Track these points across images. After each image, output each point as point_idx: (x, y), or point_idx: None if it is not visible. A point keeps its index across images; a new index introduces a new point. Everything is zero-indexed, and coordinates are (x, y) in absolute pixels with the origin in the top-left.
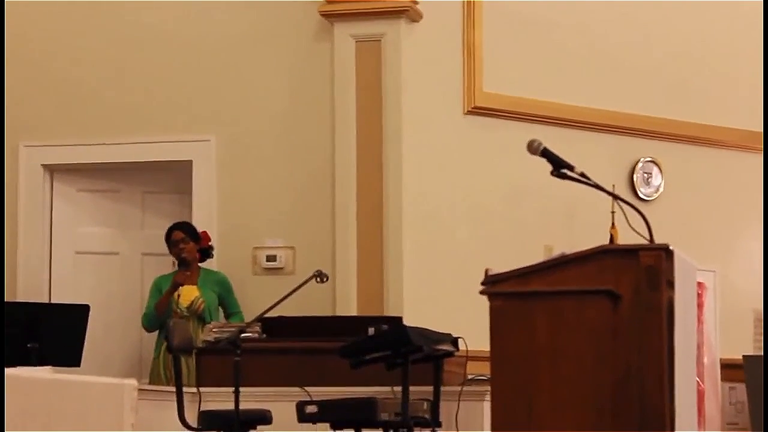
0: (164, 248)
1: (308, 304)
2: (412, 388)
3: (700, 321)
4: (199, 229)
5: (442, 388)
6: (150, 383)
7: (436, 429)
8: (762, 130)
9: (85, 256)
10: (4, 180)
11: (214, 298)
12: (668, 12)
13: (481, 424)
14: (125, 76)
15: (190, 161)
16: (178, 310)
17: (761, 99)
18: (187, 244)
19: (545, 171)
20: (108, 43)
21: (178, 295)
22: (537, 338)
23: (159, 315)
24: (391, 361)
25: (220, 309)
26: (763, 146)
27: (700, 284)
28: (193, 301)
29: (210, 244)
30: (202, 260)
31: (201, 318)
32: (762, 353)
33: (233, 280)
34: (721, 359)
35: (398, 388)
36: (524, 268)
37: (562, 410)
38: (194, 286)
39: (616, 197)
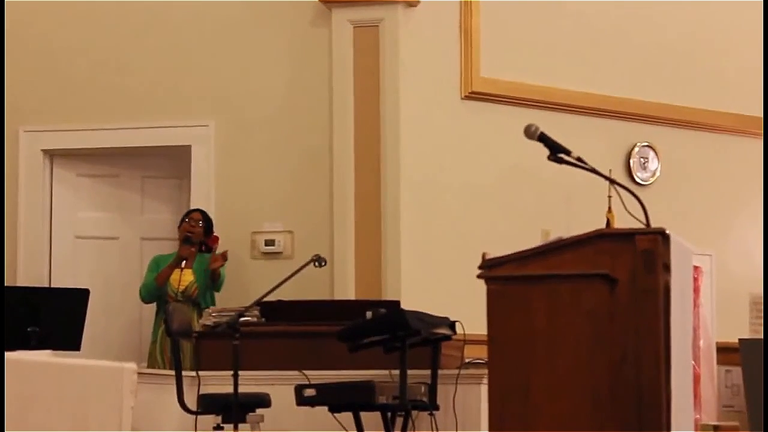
0: (163, 232)
1: (306, 288)
2: (409, 372)
3: (696, 304)
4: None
5: (440, 372)
6: (147, 367)
7: (434, 412)
8: (762, 115)
9: (85, 241)
10: (4, 165)
11: (207, 282)
12: None
13: (478, 407)
14: (124, 61)
15: (189, 146)
16: (173, 294)
17: (757, 83)
18: (200, 227)
19: (542, 156)
20: (107, 28)
21: (181, 269)
22: (534, 322)
23: (159, 286)
24: (389, 345)
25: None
26: (763, 131)
27: (696, 268)
28: (187, 286)
29: (215, 246)
30: (199, 250)
31: (195, 302)
32: (757, 336)
33: (232, 264)
34: (717, 342)
35: (396, 372)
36: (521, 252)
37: (559, 394)
38: (189, 270)
39: (612, 182)
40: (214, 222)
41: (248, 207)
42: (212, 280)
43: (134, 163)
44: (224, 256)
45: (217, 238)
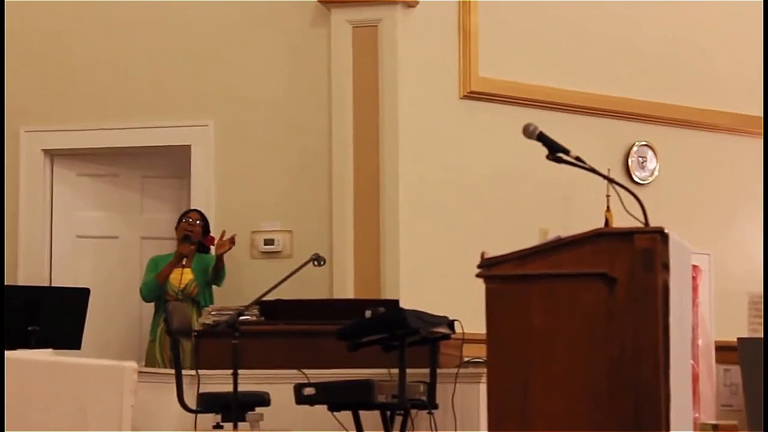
0: (163, 232)
1: (306, 287)
2: (408, 371)
3: (694, 303)
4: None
5: (439, 371)
6: (146, 366)
7: (433, 411)
8: (762, 115)
9: (85, 240)
10: (5, 165)
11: (208, 278)
12: None
13: (477, 406)
14: (124, 61)
15: (189, 146)
16: (172, 293)
17: (756, 83)
18: (198, 226)
19: (541, 155)
20: (107, 28)
21: (182, 265)
22: (533, 321)
23: (160, 284)
24: (388, 344)
25: (213, 291)
26: (763, 130)
27: (694, 267)
28: (187, 284)
29: (211, 247)
30: (197, 250)
31: (195, 301)
32: (756, 335)
33: (231, 263)
34: (715, 341)
35: (395, 371)
36: (520, 251)
37: (557, 393)
38: (188, 269)
39: (611, 181)
40: (213, 221)
41: (247, 206)
42: (216, 270)
43: (134, 162)
44: (232, 241)
45: (213, 239)
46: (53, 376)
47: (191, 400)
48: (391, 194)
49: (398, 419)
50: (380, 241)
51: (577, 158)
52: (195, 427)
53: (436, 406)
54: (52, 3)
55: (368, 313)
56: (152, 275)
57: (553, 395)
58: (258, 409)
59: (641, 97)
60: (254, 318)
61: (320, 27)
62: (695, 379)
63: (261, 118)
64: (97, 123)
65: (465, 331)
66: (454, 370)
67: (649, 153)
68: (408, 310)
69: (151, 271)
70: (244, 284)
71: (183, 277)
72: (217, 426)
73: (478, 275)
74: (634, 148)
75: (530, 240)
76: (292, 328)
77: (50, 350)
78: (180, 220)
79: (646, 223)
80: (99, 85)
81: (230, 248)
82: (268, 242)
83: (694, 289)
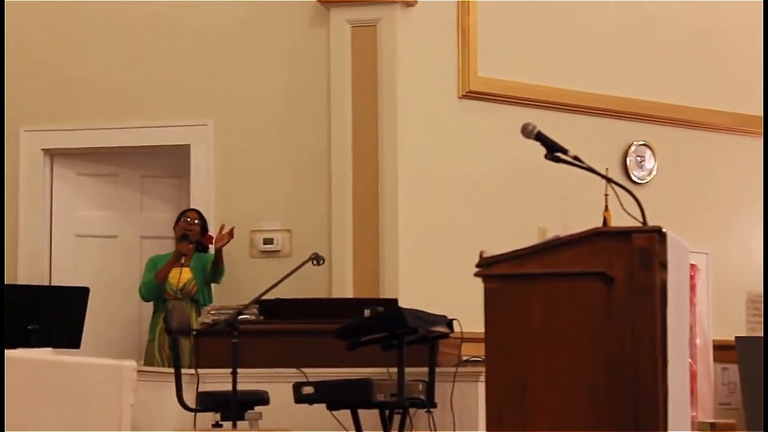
0: (163, 231)
1: (305, 286)
2: (407, 370)
3: (692, 302)
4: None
5: (437, 370)
6: (145, 365)
7: (431, 410)
8: (762, 114)
9: (85, 239)
10: (5, 164)
11: (207, 276)
12: None
13: (475, 404)
14: (124, 61)
15: (188, 145)
16: (171, 292)
17: (755, 82)
18: (197, 225)
19: (539, 154)
20: (107, 28)
21: (181, 264)
22: (531, 320)
23: (159, 283)
24: (387, 343)
25: (213, 290)
26: (763, 130)
27: (692, 266)
28: (185, 283)
29: (209, 246)
30: (195, 249)
31: (193, 300)
32: (755, 334)
33: (230, 262)
34: (713, 340)
35: (394, 370)
36: (519, 250)
37: (555, 391)
38: (187, 268)
39: (609, 180)
40: (213, 220)
41: (247, 205)
42: (215, 266)
43: (134, 162)
44: (231, 234)
45: (211, 238)
46: (53, 375)
47: (191, 399)
48: (390, 193)
49: (397, 418)
50: (379, 240)
51: (576, 157)
52: (194, 426)
53: (434, 405)
54: (52, 3)
55: (367, 312)
56: (151, 275)
57: (551, 394)
58: (257, 408)
59: (639, 96)
60: (253, 317)
61: (319, 27)
62: (693, 377)
63: (260, 117)
64: (97, 123)
65: (463, 330)
66: (453, 369)
67: (647, 152)
68: (407, 309)
69: (150, 270)
70: (244, 283)
71: (182, 276)
72: (217, 425)
73: (476, 274)
74: (632, 148)
75: (529, 239)
76: (292, 327)
77: (50, 349)
78: (178, 219)
79: (645, 223)
80: (99, 85)
81: (229, 241)
82: (268, 241)
83: (692, 288)
